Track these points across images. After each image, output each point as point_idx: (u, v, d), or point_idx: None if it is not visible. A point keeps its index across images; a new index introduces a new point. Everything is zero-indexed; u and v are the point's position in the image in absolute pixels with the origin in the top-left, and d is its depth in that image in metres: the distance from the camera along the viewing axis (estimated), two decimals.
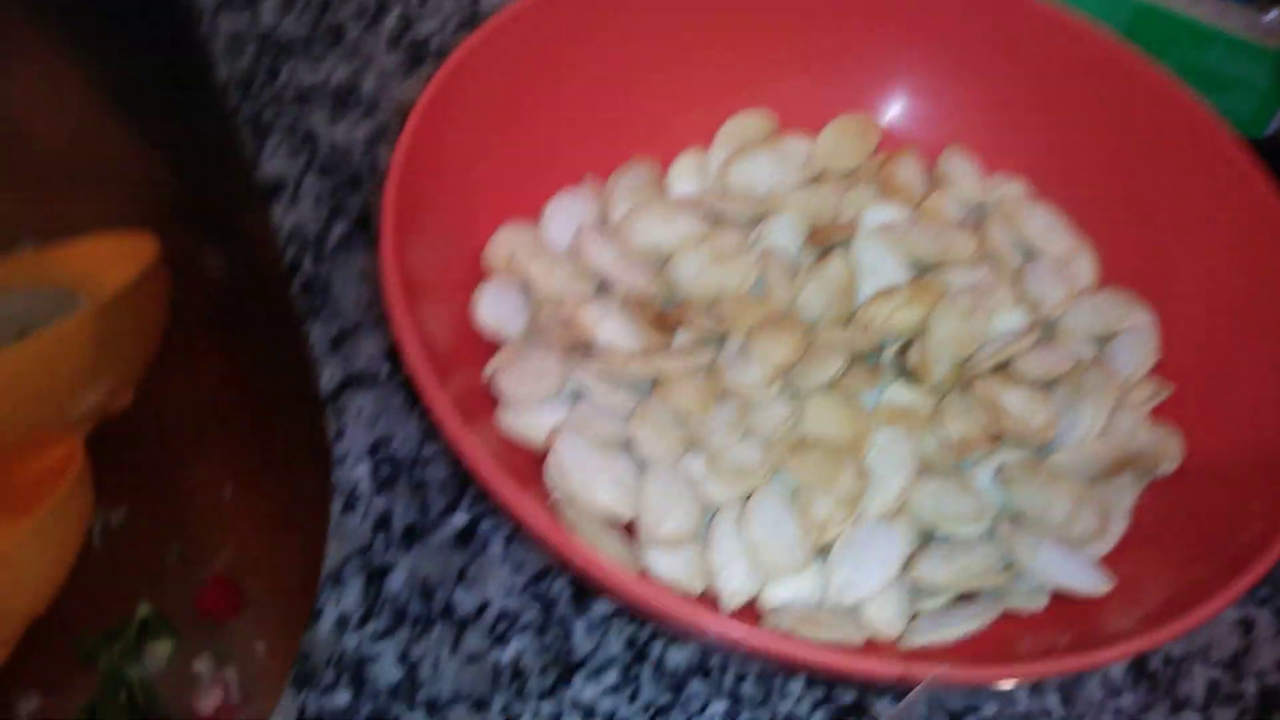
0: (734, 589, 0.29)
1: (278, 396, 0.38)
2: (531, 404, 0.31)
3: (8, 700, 0.32)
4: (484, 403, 0.31)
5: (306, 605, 0.32)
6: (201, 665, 0.32)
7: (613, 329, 0.32)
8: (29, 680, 0.32)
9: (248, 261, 0.41)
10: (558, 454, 0.29)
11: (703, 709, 0.31)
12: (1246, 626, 0.35)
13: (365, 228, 0.40)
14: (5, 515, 0.32)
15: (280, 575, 0.34)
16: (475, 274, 0.34)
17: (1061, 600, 0.29)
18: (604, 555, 0.26)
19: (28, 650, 0.32)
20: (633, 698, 0.31)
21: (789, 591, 0.29)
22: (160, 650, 0.33)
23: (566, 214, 0.36)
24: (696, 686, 0.31)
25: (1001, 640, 0.28)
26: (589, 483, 0.29)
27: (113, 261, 0.38)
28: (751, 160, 0.37)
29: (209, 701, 0.32)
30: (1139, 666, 0.33)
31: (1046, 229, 0.37)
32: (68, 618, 0.32)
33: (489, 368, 0.31)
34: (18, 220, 0.39)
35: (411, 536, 0.33)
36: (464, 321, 0.32)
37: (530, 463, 0.30)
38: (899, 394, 0.32)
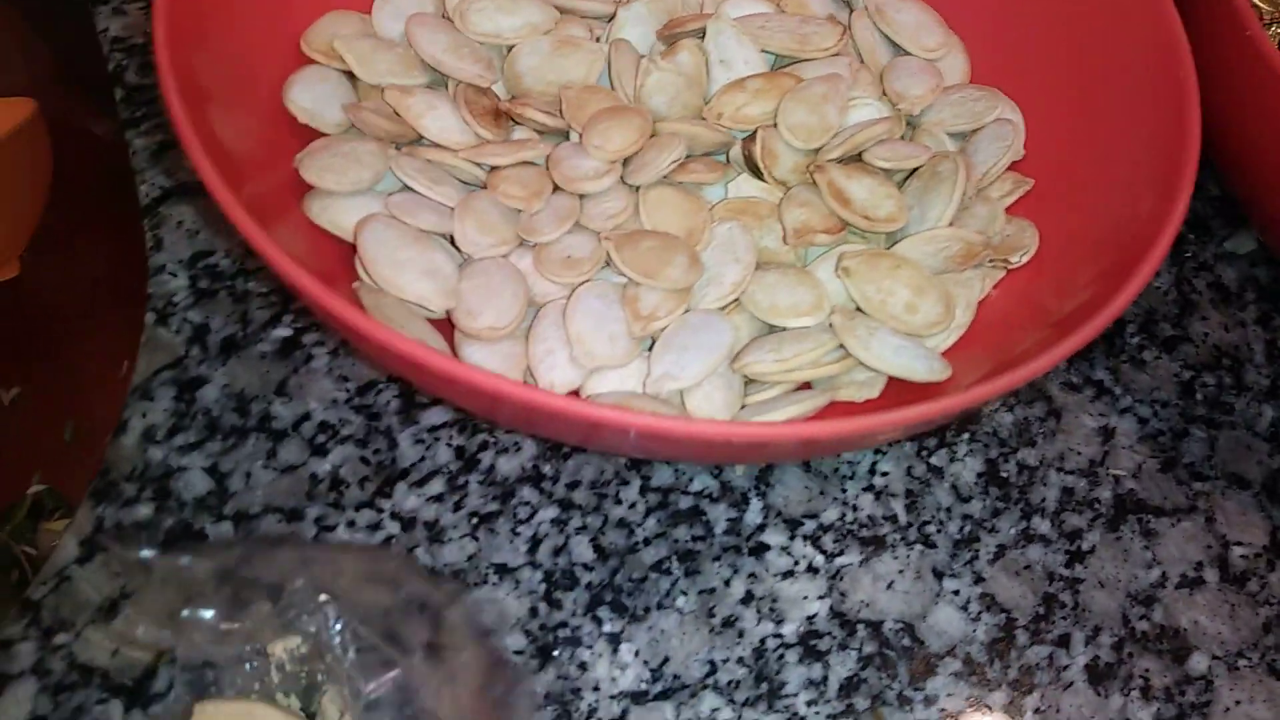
0: (552, 380, 0.27)
1: None
2: (342, 192, 0.28)
3: None
4: (295, 197, 0.29)
5: None
6: None
7: (442, 122, 0.30)
8: None
9: None
10: (363, 239, 0.27)
11: (531, 516, 0.30)
12: (1106, 434, 0.34)
13: None
14: None
15: None
16: (293, 64, 0.31)
17: (901, 389, 0.28)
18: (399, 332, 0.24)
19: None
20: (457, 506, 0.30)
21: (612, 384, 0.27)
22: (56, 529, 0.31)
23: (399, 4, 0.33)
24: (526, 494, 0.30)
25: None
26: (398, 271, 0.27)
27: None
28: None
29: None
30: (990, 473, 0.33)
31: (916, 25, 0.35)
32: None
33: (298, 156, 0.29)
34: None
35: (229, 349, 0.31)
36: (277, 113, 0.30)
37: (344, 256, 0.28)
38: (743, 187, 0.31)
